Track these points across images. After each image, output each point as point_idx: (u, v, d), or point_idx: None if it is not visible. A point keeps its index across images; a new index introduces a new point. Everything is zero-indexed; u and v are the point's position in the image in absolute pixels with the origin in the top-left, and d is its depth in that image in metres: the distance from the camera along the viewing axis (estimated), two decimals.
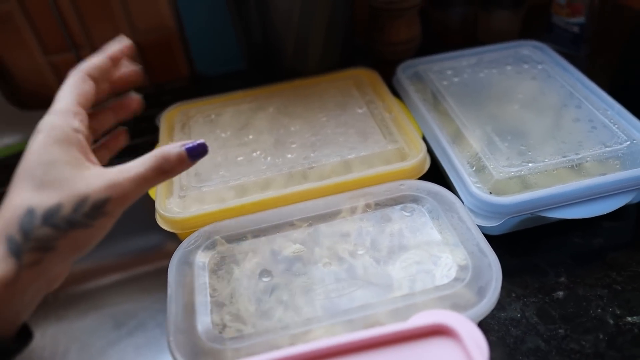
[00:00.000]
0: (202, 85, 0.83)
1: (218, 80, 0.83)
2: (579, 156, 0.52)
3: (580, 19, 0.72)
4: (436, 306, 0.41)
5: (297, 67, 0.70)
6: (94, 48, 0.78)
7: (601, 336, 0.45)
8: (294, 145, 0.57)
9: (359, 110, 0.61)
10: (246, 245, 0.48)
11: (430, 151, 0.57)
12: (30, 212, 0.33)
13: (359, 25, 0.81)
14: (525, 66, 0.67)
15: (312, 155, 0.55)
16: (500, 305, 0.48)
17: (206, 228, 0.49)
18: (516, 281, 0.50)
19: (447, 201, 0.49)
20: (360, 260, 0.46)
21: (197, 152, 0.39)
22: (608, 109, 0.58)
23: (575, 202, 0.50)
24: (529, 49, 0.70)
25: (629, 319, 0.46)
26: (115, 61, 0.45)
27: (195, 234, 0.49)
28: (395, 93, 0.67)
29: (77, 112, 0.39)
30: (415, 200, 0.50)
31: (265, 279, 0.45)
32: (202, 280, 0.46)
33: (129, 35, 0.78)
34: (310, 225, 0.49)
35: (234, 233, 0.49)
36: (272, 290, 0.44)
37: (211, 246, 0.48)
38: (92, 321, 0.77)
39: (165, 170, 0.38)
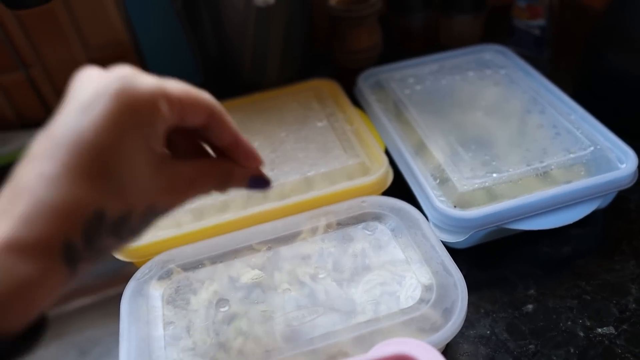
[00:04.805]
0: None
1: None
2: (544, 164, 0.51)
3: (541, 22, 0.71)
4: (401, 331, 0.39)
5: (256, 80, 0.67)
6: (45, 67, 0.75)
7: (572, 350, 0.44)
8: None
9: (320, 124, 0.59)
10: (203, 272, 0.46)
11: (394, 164, 0.56)
12: (99, 218, 0.27)
13: (319, 34, 0.79)
14: (488, 71, 0.66)
15: (271, 173, 0.53)
16: (469, 322, 0.46)
17: (161, 256, 0.47)
18: (485, 296, 0.48)
19: (410, 217, 0.48)
20: (322, 284, 0.44)
21: (258, 185, 0.37)
22: (571, 114, 0.57)
23: (541, 212, 0.49)
24: (491, 53, 0.69)
25: (599, 330, 0.45)
26: (239, 150, 0.35)
27: (149, 263, 0.47)
28: (357, 103, 0.65)
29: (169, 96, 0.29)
30: (377, 217, 0.48)
31: (223, 309, 0.43)
32: (157, 312, 0.43)
33: (82, 51, 0.76)
34: (269, 248, 0.47)
35: (191, 260, 0.47)
36: (230, 320, 0.42)
37: (166, 275, 0.46)
38: (56, 351, 0.74)
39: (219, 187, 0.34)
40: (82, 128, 0.26)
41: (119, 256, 0.49)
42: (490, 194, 0.49)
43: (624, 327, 0.45)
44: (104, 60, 0.77)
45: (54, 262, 0.25)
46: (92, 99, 0.27)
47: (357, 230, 0.48)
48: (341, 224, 0.48)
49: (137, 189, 0.28)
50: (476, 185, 0.50)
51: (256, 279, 0.45)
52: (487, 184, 0.50)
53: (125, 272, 0.56)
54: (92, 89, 0.27)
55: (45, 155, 0.26)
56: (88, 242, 0.27)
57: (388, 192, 0.52)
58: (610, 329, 0.45)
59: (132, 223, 0.29)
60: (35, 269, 0.25)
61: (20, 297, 0.24)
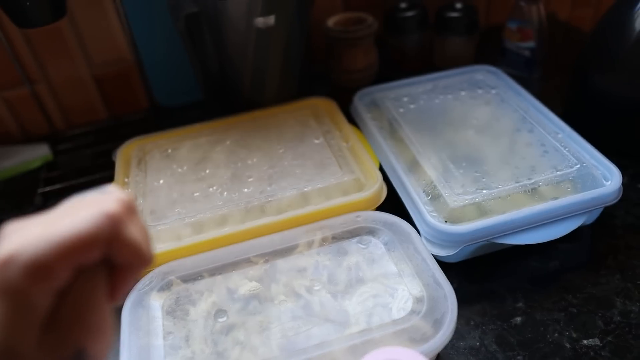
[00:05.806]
0: (162, 116, 0.82)
1: (178, 111, 0.82)
2: (532, 181, 0.53)
3: (531, 43, 0.74)
4: (393, 341, 0.41)
5: (255, 98, 0.70)
6: (49, 83, 0.77)
7: None
8: (250, 179, 0.56)
9: (316, 141, 0.61)
10: (202, 284, 0.48)
11: (387, 180, 0.58)
12: None
13: (318, 53, 0.81)
14: (480, 91, 0.68)
15: (268, 188, 0.55)
16: (459, 334, 0.48)
17: (161, 268, 0.48)
18: (475, 308, 0.50)
19: (402, 232, 0.49)
20: (317, 296, 0.45)
21: None
22: (559, 132, 0.59)
23: (529, 227, 0.51)
24: (482, 73, 0.71)
25: (585, 342, 0.46)
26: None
27: (150, 274, 0.48)
28: (353, 121, 0.67)
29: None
30: (371, 232, 0.50)
31: (221, 319, 0.44)
32: (157, 322, 0.45)
33: (86, 68, 0.78)
34: (266, 261, 0.49)
35: (190, 272, 0.48)
36: (228, 331, 0.44)
37: (166, 287, 0.47)
38: None
39: None
40: None
41: None
42: (480, 210, 0.51)
43: (609, 338, 0.46)
44: (108, 77, 0.79)
45: None
46: None
47: (352, 244, 0.50)
48: (336, 238, 0.50)
49: None
50: (467, 201, 0.51)
51: (254, 290, 0.46)
52: (477, 199, 0.52)
53: None
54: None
55: None
56: None
57: (382, 208, 0.54)
58: (596, 341, 0.46)
59: None
60: None
61: None
